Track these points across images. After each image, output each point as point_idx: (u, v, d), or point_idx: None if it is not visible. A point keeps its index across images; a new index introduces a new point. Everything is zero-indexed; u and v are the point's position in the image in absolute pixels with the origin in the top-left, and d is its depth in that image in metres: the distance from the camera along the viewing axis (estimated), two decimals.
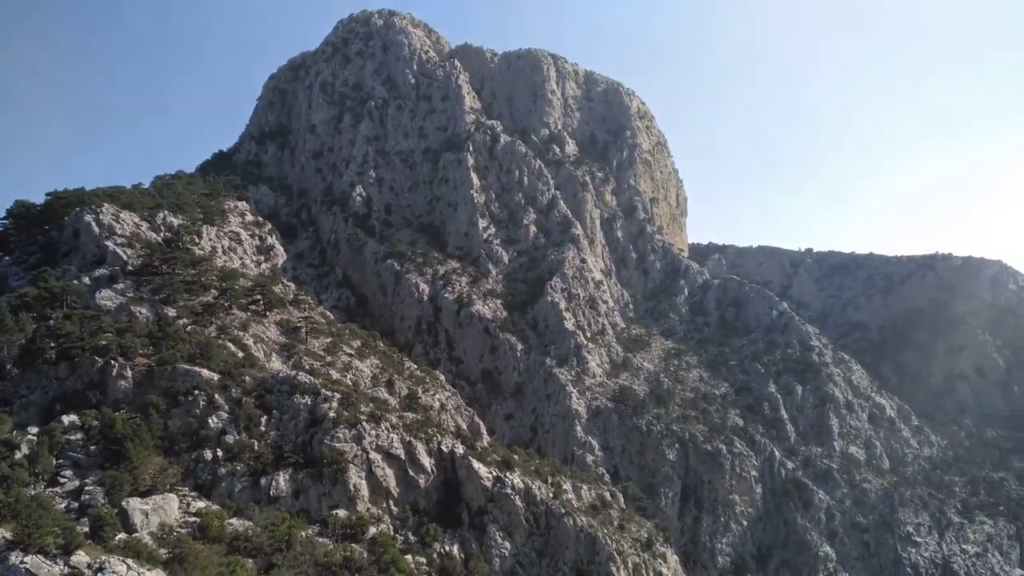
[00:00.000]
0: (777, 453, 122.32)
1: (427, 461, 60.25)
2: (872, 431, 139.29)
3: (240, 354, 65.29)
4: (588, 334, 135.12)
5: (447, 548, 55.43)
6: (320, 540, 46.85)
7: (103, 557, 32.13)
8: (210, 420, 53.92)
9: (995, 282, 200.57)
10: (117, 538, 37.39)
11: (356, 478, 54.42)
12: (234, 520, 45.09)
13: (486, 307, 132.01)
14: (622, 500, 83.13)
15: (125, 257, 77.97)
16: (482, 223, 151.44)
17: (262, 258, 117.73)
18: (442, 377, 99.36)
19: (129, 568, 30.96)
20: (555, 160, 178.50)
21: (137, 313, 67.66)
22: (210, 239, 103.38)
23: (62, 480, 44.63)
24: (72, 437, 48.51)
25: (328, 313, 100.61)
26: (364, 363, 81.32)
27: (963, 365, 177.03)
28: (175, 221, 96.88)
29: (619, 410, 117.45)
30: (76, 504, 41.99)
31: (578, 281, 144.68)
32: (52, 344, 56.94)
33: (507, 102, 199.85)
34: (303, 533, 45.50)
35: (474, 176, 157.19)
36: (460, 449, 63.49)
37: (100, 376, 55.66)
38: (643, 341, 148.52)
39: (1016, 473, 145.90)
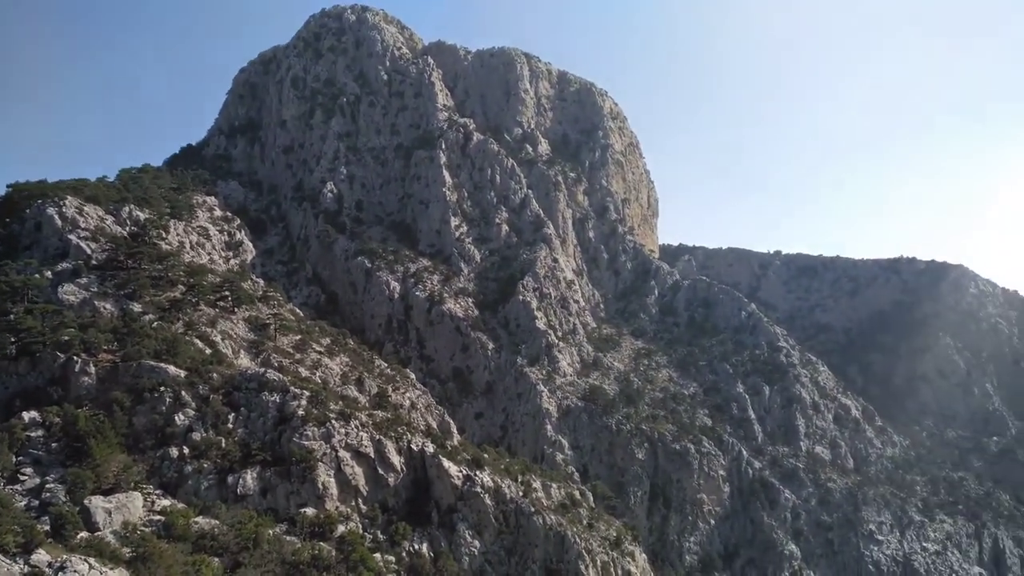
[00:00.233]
0: (745, 453, 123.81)
1: (397, 460, 60.01)
2: (837, 431, 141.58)
3: (208, 351, 64.42)
4: (559, 333, 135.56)
5: (416, 547, 55.27)
6: (288, 538, 46.43)
7: (64, 556, 31.53)
8: (176, 417, 53.16)
9: (956, 286, 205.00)
10: (79, 537, 36.75)
11: (325, 476, 54.03)
12: (200, 518, 44.50)
13: (457, 306, 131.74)
14: (591, 499, 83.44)
15: (89, 251, 76.47)
16: (454, 221, 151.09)
17: (231, 254, 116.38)
18: (412, 376, 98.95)
19: (91, 567, 30.40)
20: (528, 159, 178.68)
21: (101, 308, 66.39)
22: (177, 234, 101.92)
23: (22, 478, 43.72)
24: (33, 434, 47.55)
25: (297, 310, 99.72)
26: (334, 361, 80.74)
27: (925, 367, 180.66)
28: (141, 215, 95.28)
29: (589, 409, 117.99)
30: (37, 502, 41.19)
31: (550, 280, 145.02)
32: (12, 339, 55.74)
33: (480, 100, 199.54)
34: (270, 531, 45.06)
35: (446, 174, 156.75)
36: (430, 448, 63.36)
37: (62, 372, 54.57)
38: (614, 341, 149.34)
39: (975, 473, 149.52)
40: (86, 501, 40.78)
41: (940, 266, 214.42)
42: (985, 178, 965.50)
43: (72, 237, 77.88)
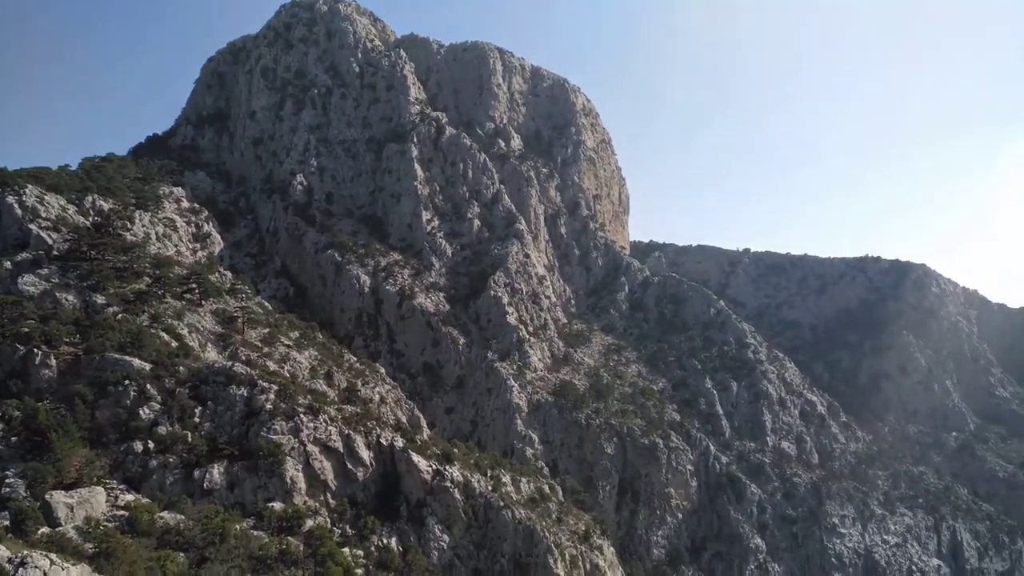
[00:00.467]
0: (712, 448, 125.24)
1: (366, 454, 59.69)
2: (803, 427, 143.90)
3: (174, 343, 63.40)
4: (530, 329, 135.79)
5: (385, 541, 55.09)
6: (255, 533, 45.90)
7: (25, 551, 30.79)
8: (141, 411, 52.26)
9: (919, 285, 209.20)
10: (40, 532, 36.01)
11: (293, 471, 53.56)
12: (165, 513, 43.82)
13: (428, 300, 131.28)
14: (561, 493, 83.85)
15: (50, 241, 74.74)
16: (426, 215, 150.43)
17: (198, 246, 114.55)
18: (382, 370, 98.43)
19: (52, 563, 29.68)
20: (500, 154, 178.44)
21: (63, 299, 64.95)
22: (143, 225, 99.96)
23: None
24: None
25: (266, 303, 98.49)
26: (302, 355, 79.97)
27: (888, 364, 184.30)
28: (105, 205, 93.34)
29: (559, 404, 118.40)
30: None
31: (521, 276, 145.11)
32: None
33: (453, 94, 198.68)
34: (237, 526, 44.51)
35: (418, 168, 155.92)
36: (399, 442, 63.13)
37: (22, 364, 53.37)
38: (584, 336, 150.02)
39: (934, 467, 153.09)
40: (47, 496, 39.94)
41: (903, 265, 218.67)
42: (950, 181, 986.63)
43: (33, 227, 76.01)
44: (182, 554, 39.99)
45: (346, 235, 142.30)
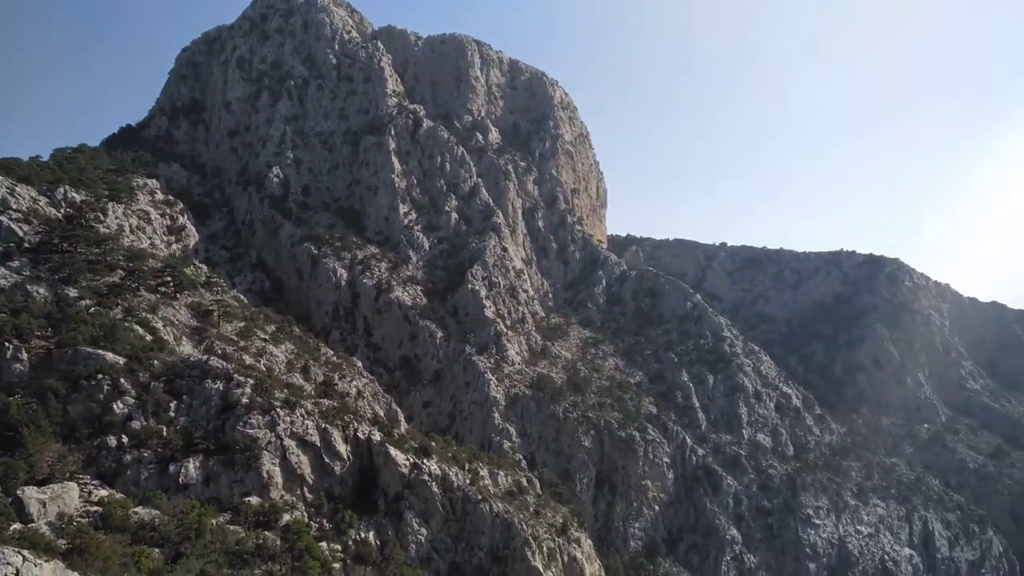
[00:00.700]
0: (689, 440, 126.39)
1: (343, 448, 59.53)
2: (778, 419, 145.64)
3: (148, 337, 62.72)
4: (508, 322, 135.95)
5: (363, 535, 55.03)
6: (232, 528, 45.62)
7: None
8: (115, 405, 51.67)
9: (892, 279, 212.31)
10: (12, 528, 35.51)
11: (270, 465, 53.28)
12: (140, 509, 43.39)
13: (406, 293, 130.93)
14: (538, 486, 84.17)
15: (21, 233, 73.41)
16: (403, 208, 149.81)
17: (173, 238, 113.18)
18: (359, 364, 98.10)
19: (25, 559, 29.35)
20: (478, 147, 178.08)
21: (34, 293, 63.91)
22: (116, 217, 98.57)
23: None
24: None
25: (242, 297, 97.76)
26: (279, 348, 79.48)
27: (862, 357, 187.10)
28: (78, 197, 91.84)
29: (537, 397, 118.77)
30: None
31: (499, 269, 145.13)
32: None
33: (430, 87, 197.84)
34: (213, 521, 44.20)
35: (395, 160, 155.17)
36: (377, 436, 63.02)
37: None
38: (562, 330, 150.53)
39: (906, 459, 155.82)
40: (19, 492, 39.39)
41: (877, 259, 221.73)
42: (926, 176, 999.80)
43: (3, 219, 74.53)
44: (157, 550, 39.64)
45: (323, 228, 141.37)
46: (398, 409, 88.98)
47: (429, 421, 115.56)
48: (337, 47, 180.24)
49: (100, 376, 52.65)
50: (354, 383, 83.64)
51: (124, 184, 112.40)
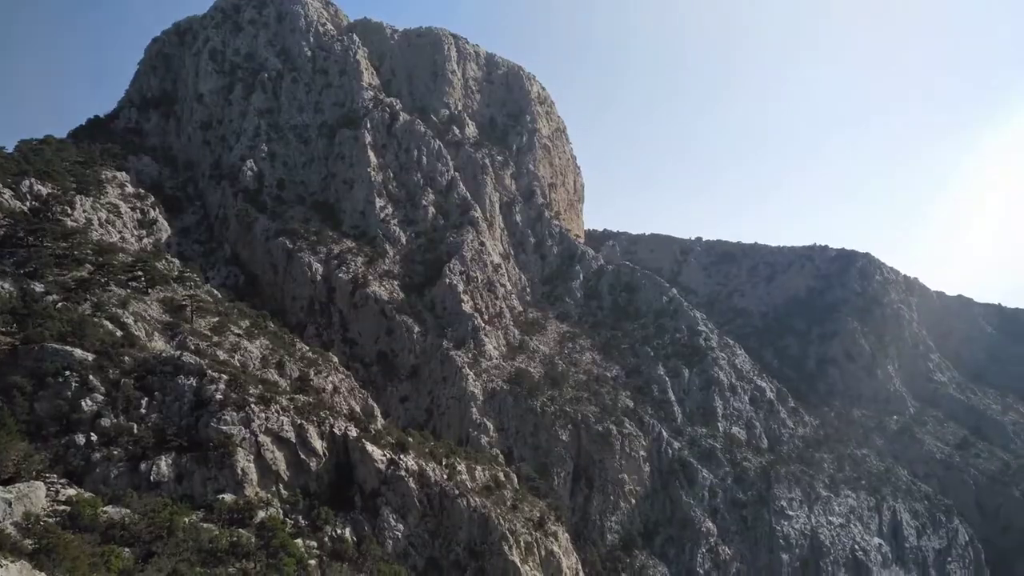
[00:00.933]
0: (665, 433, 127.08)
1: (319, 444, 58.91)
2: (753, 412, 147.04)
3: (118, 333, 61.39)
4: (486, 317, 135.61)
5: (339, 531, 54.49)
6: (205, 526, 44.90)
7: None
8: (83, 403, 50.55)
9: (863, 273, 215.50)
10: None
11: (244, 462, 52.54)
12: (109, 508, 42.51)
13: (382, 288, 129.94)
14: (516, 480, 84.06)
15: None
16: (379, 202, 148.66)
17: (144, 232, 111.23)
18: (335, 359, 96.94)
19: None
20: (455, 141, 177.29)
21: None
22: (84, 210, 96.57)
23: None
24: None
25: (215, 291, 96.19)
26: (253, 344, 78.32)
27: (834, 350, 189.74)
28: (44, 190, 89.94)
29: (514, 392, 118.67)
30: None
31: (476, 264, 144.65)
32: None
33: (407, 80, 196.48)
34: (186, 519, 43.47)
35: (371, 154, 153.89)
36: (353, 432, 62.47)
37: None
38: (539, 324, 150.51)
39: (877, 450, 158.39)
40: None
41: (848, 254, 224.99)
42: (899, 173, 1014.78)
43: None
44: (128, 549, 38.84)
45: (298, 222, 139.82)
46: (375, 404, 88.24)
47: (406, 416, 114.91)
48: (312, 39, 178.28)
49: (68, 373, 51.49)
50: (330, 378, 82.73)
51: (92, 177, 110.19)
